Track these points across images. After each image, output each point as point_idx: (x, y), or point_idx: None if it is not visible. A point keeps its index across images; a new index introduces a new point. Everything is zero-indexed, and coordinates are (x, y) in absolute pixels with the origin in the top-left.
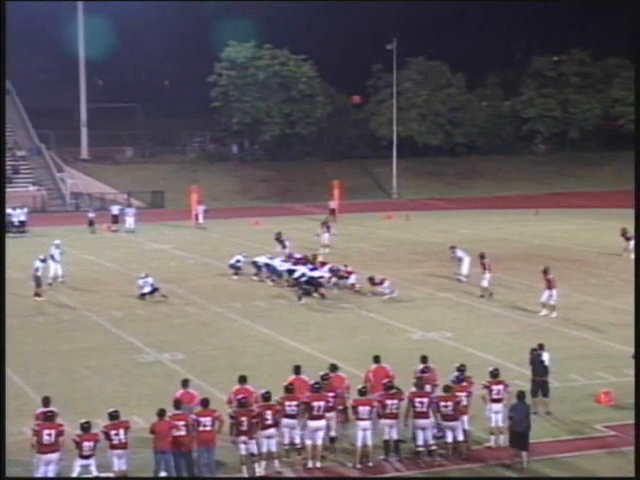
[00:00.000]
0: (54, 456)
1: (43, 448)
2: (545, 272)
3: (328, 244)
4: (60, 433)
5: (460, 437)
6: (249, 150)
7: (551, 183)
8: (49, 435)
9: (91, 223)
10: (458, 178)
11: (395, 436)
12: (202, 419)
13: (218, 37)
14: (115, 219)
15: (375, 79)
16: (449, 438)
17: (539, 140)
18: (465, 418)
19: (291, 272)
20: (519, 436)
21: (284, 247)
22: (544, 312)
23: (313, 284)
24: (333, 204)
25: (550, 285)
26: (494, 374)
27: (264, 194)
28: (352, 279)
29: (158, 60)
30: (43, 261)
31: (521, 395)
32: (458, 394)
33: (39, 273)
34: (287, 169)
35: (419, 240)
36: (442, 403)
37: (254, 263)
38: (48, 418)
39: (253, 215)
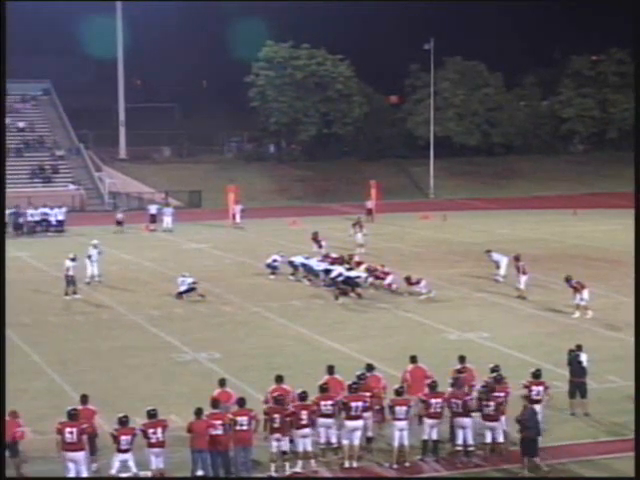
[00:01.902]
0: (79, 455)
1: (66, 446)
2: (567, 280)
3: (362, 243)
4: (82, 431)
5: (500, 438)
6: (286, 150)
7: (589, 183)
8: (70, 433)
9: (119, 223)
10: (495, 178)
11: (435, 436)
12: (239, 418)
13: (256, 37)
14: (153, 218)
15: (412, 79)
16: (488, 438)
17: (577, 140)
18: (503, 419)
19: (328, 272)
20: (530, 442)
21: (320, 247)
22: (577, 314)
23: (350, 284)
24: (370, 204)
25: (576, 290)
26: (536, 375)
27: (301, 194)
28: (389, 279)
29: (196, 60)
30: (73, 260)
31: (530, 399)
32: (497, 394)
33: (70, 272)
34: (324, 169)
35: (456, 240)
36: (484, 403)
37: (290, 263)
38: (71, 416)
39: (290, 215)
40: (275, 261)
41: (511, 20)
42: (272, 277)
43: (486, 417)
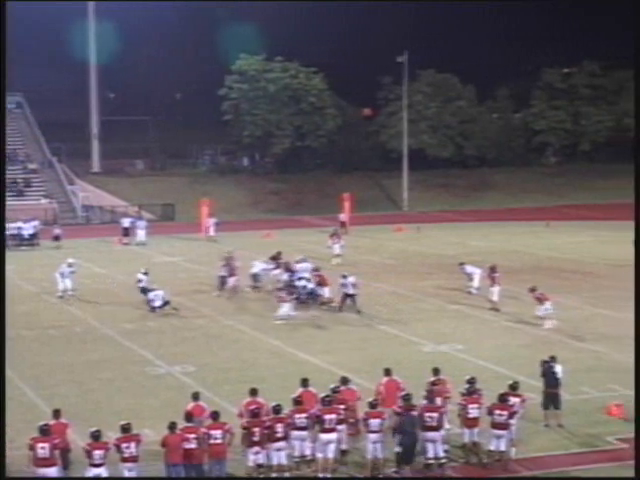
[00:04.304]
0: (51, 470)
1: (38, 462)
2: (532, 291)
3: (339, 254)
4: (54, 446)
5: (502, 447)
6: (260, 163)
7: (562, 195)
8: (43, 449)
9: (56, 238)
10: (469, 190)
11: None
12: (213, 432)
13: (229, 50)
14: (126, 232)
15: (386, 91)
16: (493, 446)
17: (550, 152)
18: (475, 430)
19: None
20: (407, 452)
21: (277, 266)
22: (548, 324)
23: (312, 296)
24: (343, 216)
25: (540, 301)
26: (513, 387)
27: (275, 206)
28: (325, 291)
29: (170, 73)
30: (145, 274)
31: (409, 407)
32: (470, 405)
33: (143, 284)
34: (298, 182)
35: (430, 252)
36: (497, 411)
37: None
38: (43, 432)
39: (264, 227)
40: (264, 269)
41: (484, 33)
42: (255, 290)
43: (496, 426)
